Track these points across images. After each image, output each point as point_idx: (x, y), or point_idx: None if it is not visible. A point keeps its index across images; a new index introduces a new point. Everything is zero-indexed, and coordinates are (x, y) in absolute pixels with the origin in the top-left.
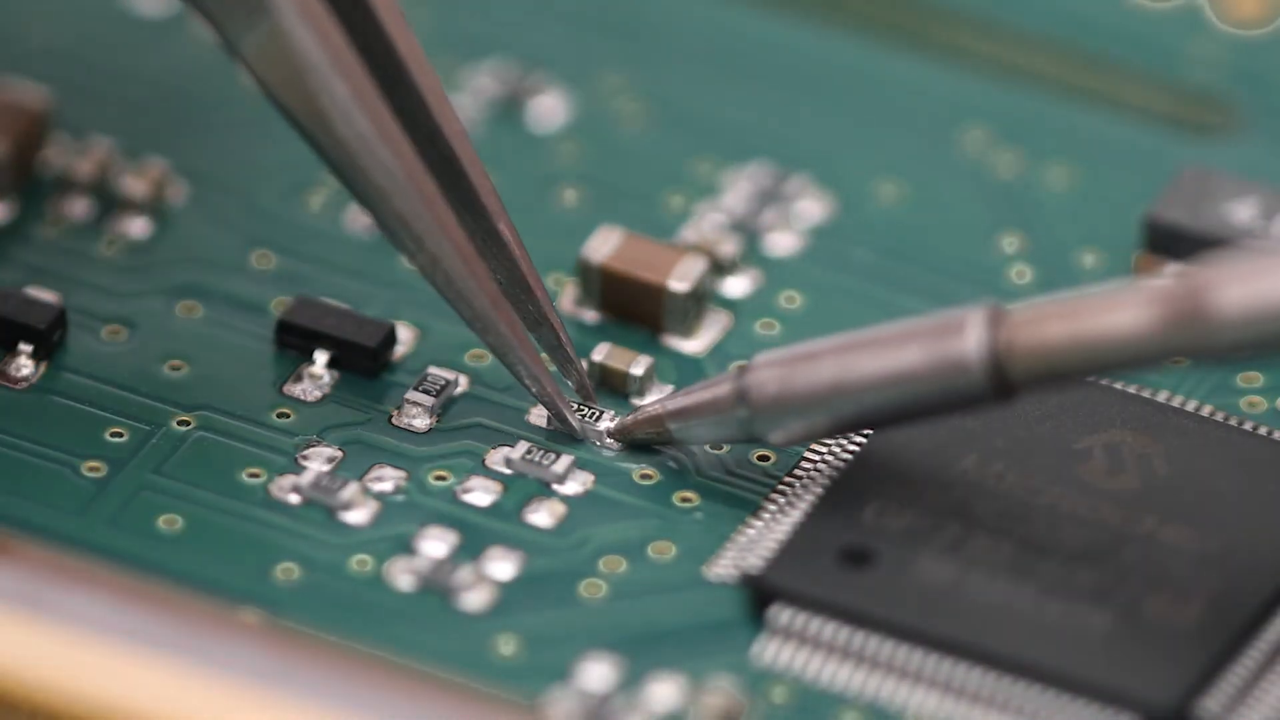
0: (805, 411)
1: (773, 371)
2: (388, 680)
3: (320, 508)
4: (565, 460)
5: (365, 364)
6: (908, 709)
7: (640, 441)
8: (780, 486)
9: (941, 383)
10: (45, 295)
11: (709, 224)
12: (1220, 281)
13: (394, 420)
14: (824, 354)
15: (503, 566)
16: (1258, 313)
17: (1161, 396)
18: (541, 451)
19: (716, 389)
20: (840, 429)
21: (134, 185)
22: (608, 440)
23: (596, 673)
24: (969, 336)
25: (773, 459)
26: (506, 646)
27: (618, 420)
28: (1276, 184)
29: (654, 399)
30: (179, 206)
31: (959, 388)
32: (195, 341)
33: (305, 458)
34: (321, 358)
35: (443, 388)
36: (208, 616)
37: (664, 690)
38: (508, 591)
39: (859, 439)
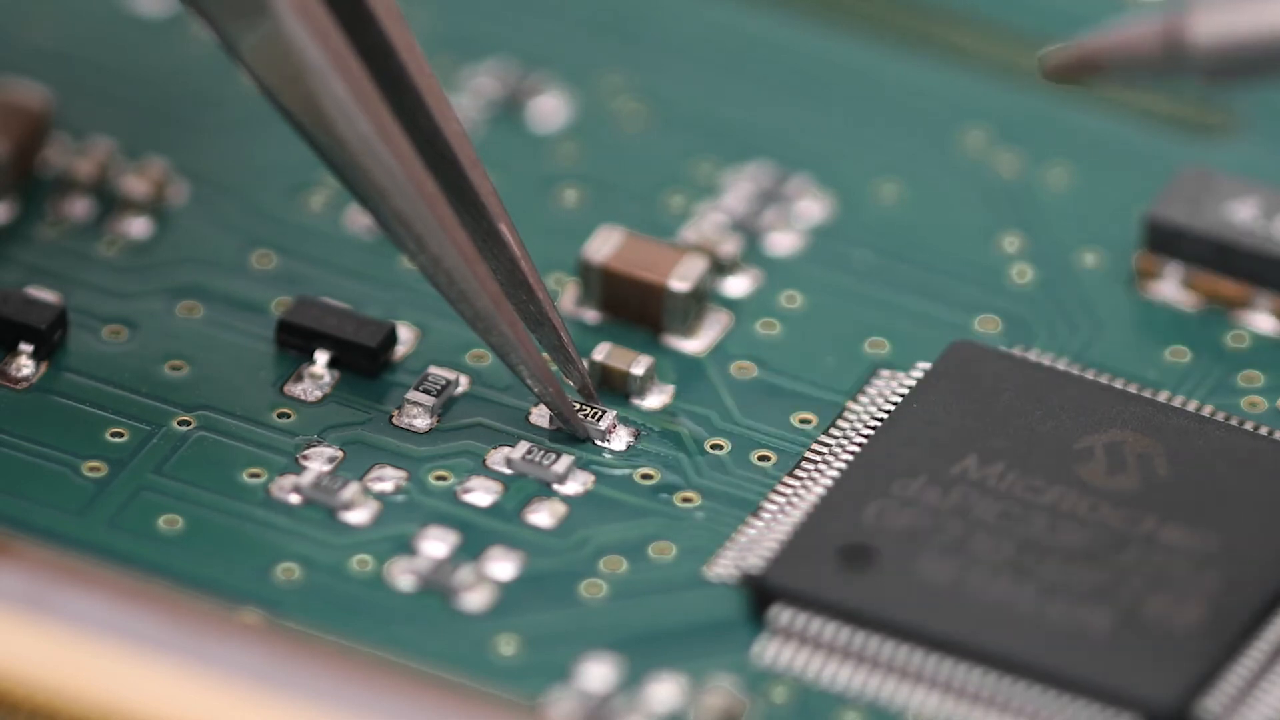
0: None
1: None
2: (388, 680)
3: (321, 508)
4: (566, 460)
5: (366, 364)
6: (908, 709)
7: (1072, 84)
8: (780, 486)
9: None
10: (45, 295)
11: (709, 224)
12: None
13: (394, 420)
14: None
15: (503, 567)
16: None
17: (1162, 396)
18: (542, 451)
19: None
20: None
21: (134, 185)
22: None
23: (597, 673)
24: None
25: (773, 459)
26: (507, 646)
27: (1055, 56)
28: (1276, 184)
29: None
30: (179, 206)
31: None
32: (195, 341)
33: (306, 458)
34: (322, 358)
35: (443, 388)
36: (208, 616)
37: (664, 690)
38: (508, 592)
39: (859, 439)
